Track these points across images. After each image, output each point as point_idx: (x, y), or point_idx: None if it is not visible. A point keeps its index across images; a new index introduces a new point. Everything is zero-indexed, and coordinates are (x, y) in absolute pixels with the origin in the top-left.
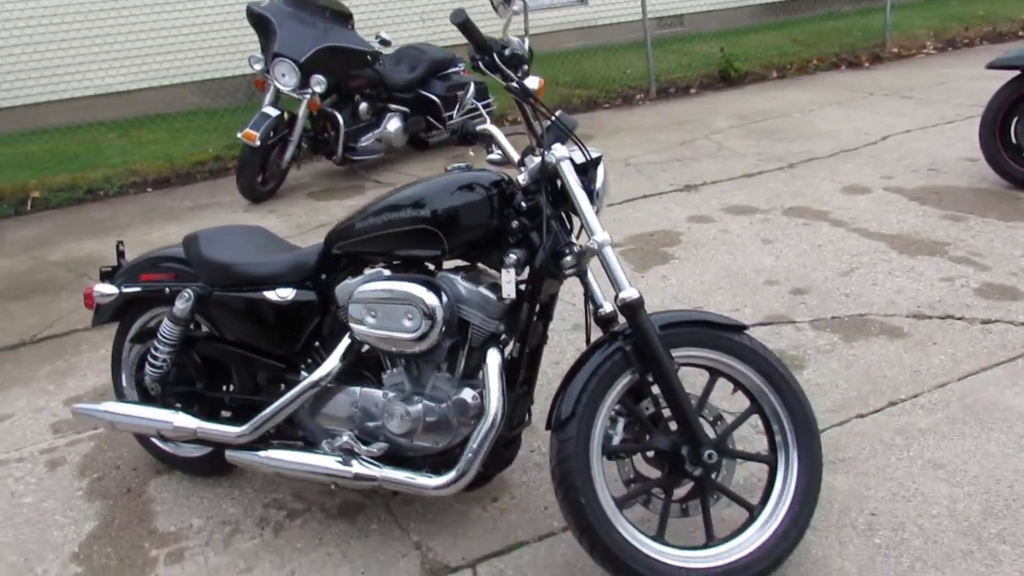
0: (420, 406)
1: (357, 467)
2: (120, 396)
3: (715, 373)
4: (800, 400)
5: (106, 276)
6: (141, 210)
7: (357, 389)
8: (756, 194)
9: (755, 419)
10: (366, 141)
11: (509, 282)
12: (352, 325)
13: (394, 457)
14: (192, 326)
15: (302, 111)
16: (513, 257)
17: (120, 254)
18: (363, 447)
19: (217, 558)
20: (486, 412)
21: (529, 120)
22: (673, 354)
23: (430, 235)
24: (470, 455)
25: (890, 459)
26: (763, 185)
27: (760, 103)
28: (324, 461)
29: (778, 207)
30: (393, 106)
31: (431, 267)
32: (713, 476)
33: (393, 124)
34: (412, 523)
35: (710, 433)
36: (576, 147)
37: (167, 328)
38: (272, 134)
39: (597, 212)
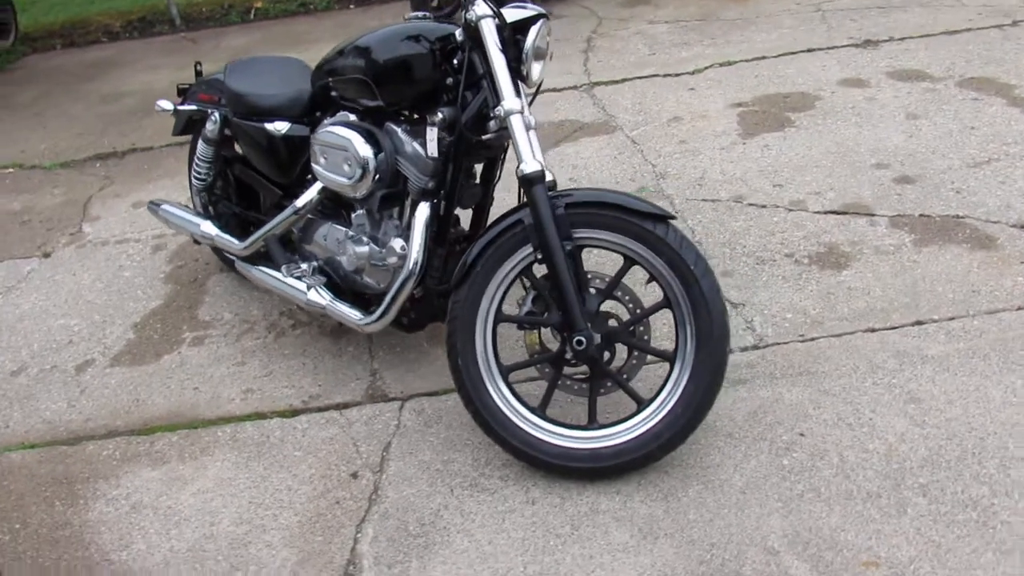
0: (367, 248)
1: (312, 294)
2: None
3: (629, 260)
4: (709, 304)
5: (181, 92)
6: (336, 26)
7: (329, 224)
8: (941, 57)
9: None
10: None
11: (432, 140)
12: (312, 164)
13: (348, 291)
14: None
15: None
16: (439, 116)
17: (198, 73)
18: (317, 277)
19: (224, 349)
20: (406, 262)
21: None
22: (580, 234)
23: (367, 85)
24: (388, 299)
25: (865, 382)
26: (959, 46)
27: None
28: (290, 284)
29: (956, 76)
30: None
31: (405, 116)
32: (604, 361)
33: None
34: (381, 352)
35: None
36: (516, 2)
37: (201, 146)
38: None
39: (526, 75)
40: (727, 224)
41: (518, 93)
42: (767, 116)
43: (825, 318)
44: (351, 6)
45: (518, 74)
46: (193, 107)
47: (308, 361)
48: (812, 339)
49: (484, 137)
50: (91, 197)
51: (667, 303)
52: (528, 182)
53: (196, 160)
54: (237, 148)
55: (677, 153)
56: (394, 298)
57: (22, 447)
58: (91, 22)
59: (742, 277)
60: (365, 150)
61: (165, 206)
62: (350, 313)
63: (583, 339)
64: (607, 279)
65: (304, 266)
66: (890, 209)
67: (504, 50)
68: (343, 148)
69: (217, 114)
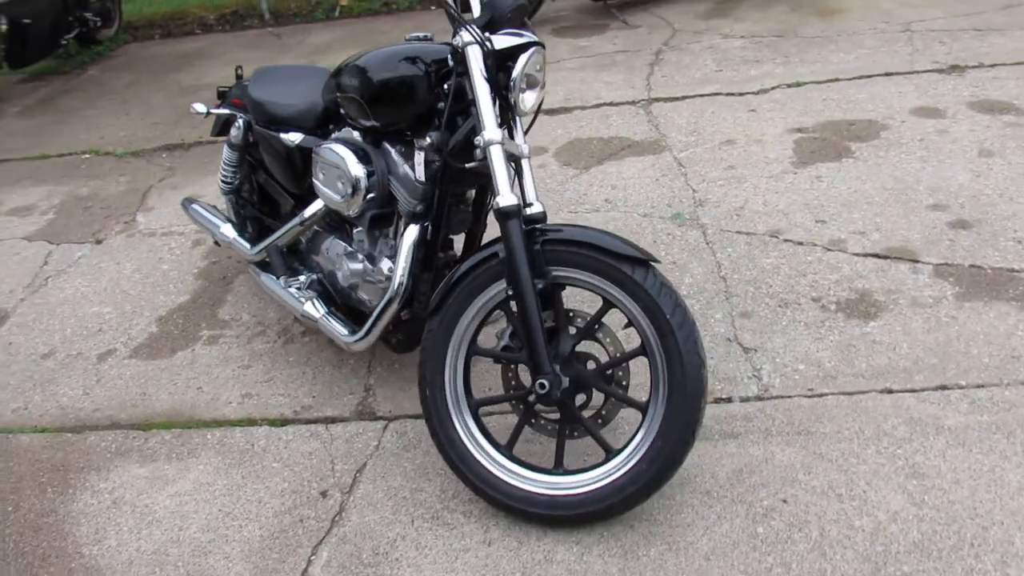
0: (361, 266)
1: (308, 306)
2: None
3: (607, 302)
4: (684, 357)
5: (220, 95)
6: (416, 27)
7: (332, 238)
8: None
9: None
10: None
11: (419, 164)
12: (312, 179)
13: (344, 306)
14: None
15: None
16: (427, 140)
17: (239, 77)
18: (313, 290)
19: (234, 350)
20: (391, 284)
21: None
22: (557, 271)
23: (361, 105)
24: (371, 319)
25: (867, 449)
26: None
27: None
28: (289, 295)
29: None
30: None
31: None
32: (575, 405)
33: None
34: (379, 368)
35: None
36: (511, 29)
37: (226, 150)
38: None
39: (513, 104)
40: (757, 260)
41: (504, 122)
42: (826, 144)
43: (840, 373)
44: (432, 8)
45: (508, 102)
46: (224, 111)
47: (309, 370)
48: (820, 395)
49: (468, 165)
50: (151, 187)
51: (643, 350)
52: (503, 216)
53: (222, 163)
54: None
55: (722, 179)
56: (377, 319)
57: (34, 430)
58: (188, 14)
59: (760, 319)
60: (357, 169)
61: (195, 205)
62: (339, 329)
63: (546, 383)
64: (588, 318)
65: (302, 278)
66: (938, 256)
67: (491, 78)
68: (337, 165)
69: (241, 120)
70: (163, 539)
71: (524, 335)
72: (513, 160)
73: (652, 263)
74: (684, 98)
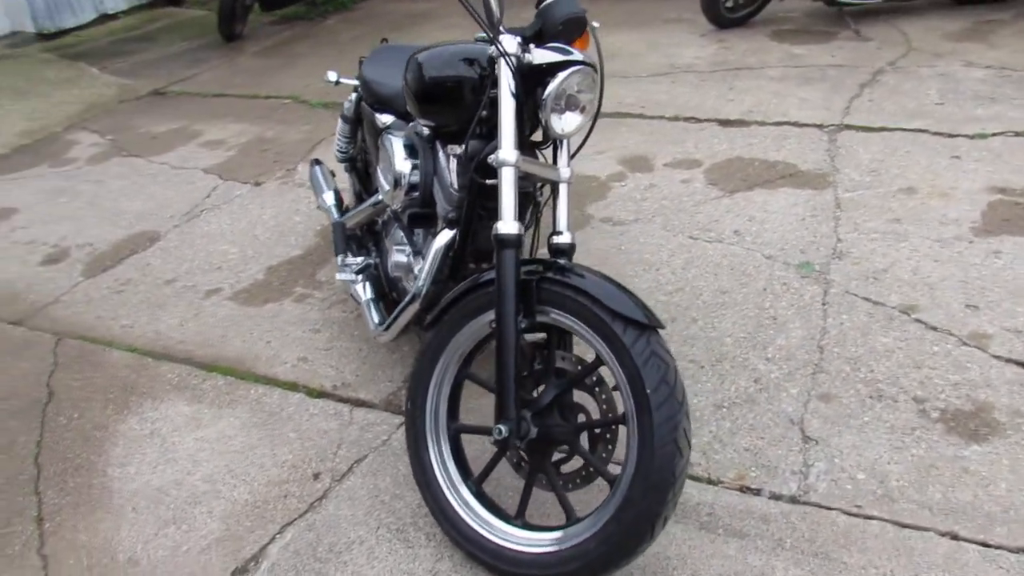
0: (404, 260)
1: (357, 287)
2: None
3: (599, 357)
4: (655, 440)
5: (361, 64)
6: (622, 17)
7: (396, 227)
8: None
9: None
10: None
11: (453, 171)
12: (378, 165)
13: (390, 295)
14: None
15: None
16: (460, 148)
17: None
18: (361, 274)
19: (313, 313)
20: (416, 283)
21: None
22: (552, 313)
23: (413, 101)
24: (393, 314)
25: None
26: None
27: None
28: (342, 272)
29: None
30: None
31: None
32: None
33: None
34: (396, 356)
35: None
36: (560, 43)
37: (340, 122)
38: None
39: (545, 124)
40: (871, 337)
41: (548, 142)
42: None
43: (904, 496)
44: None
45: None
46: (351, 82)
47: (365, 348)
48: (865, 516)
49: (489, 182)
50: (323, 139)
51: (623, 419)
52: (499, 243)
53: (337, 134)
54: None
55: (879, 232)
56: (398, 315)
57: (126, 348)
58: None
59: (840, 407)
60: (402, 164)
61: (317, 167)
62: (373, 317)
63: (503, 429)
64: (580, 368)
65: (358, 260)
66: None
67: (519, 94)
68: (389, 156)
69: (354, 94)
70: (170, 478)
71: (496, 373)
72: (551, 184)
73: (650, 327)
74: (881, 130)
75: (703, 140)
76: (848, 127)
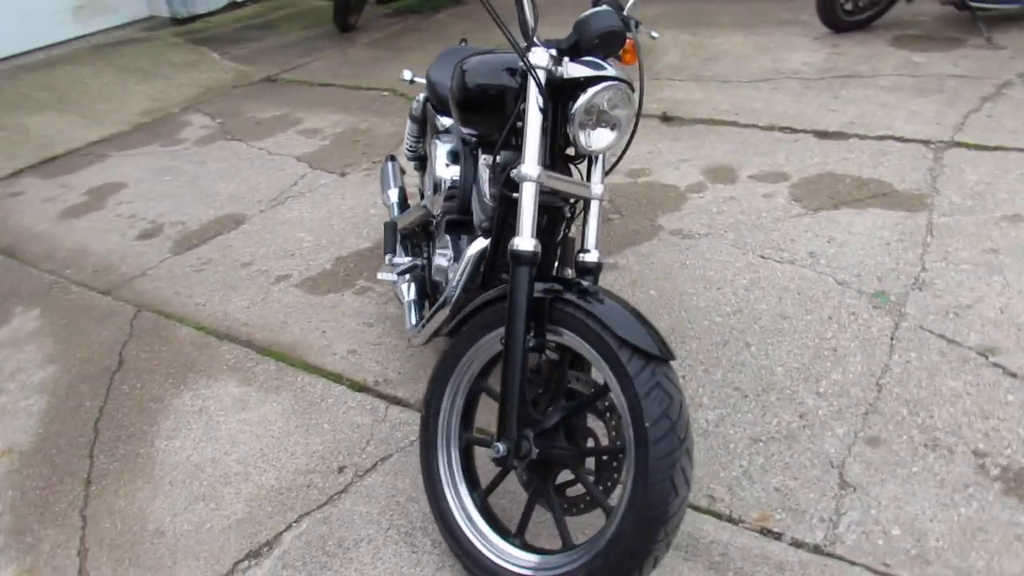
0: (445, 264)
1: (402, 287)
2: None
3: (606, 383)
4: (650, 475)
5: None
6: (747, 13)
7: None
8: None
9: None
10: None
11: (484, 181)
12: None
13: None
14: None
15: None
16: (489, 158)
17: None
18: (398, 275)
19: (371, 307)
20: (448, 288)
21: (522, 4)
22: (565, 335)
23: (455, 107)
24: (425, 318)
25: None
26: None
27: None
28: (387, 273)
29: None
30: None
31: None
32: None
33: None
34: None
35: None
36: (595, 57)
37: (408, 122)
38: None
39: (573, 140)
40: (938, 379)
41: (580, 158)
42: None
43: (940, 560)
44: None
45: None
46: (421, 80)
47: (378, 338)
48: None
49: (515, 195)
50: None
51: (623, 449)
52: (514, 259)
53: (406, 133)
54: None
55: (970, 263)
56: (429, 318)
57: (196, 326)
58: None
59: (888, 454)
60: (442, 170)
61: (388, 164)
62: (410, 318)
63: (501, 447)
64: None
65: (404, 260)
66: None
67: (547, 108)
68: (432, 161)
69: (422, 95)
70: (209, 456)
71: (500, 389)
72: (583, 200)
73: (658, 358)
74: (996, 149)
75: (795, 152)
76: (958, 144)
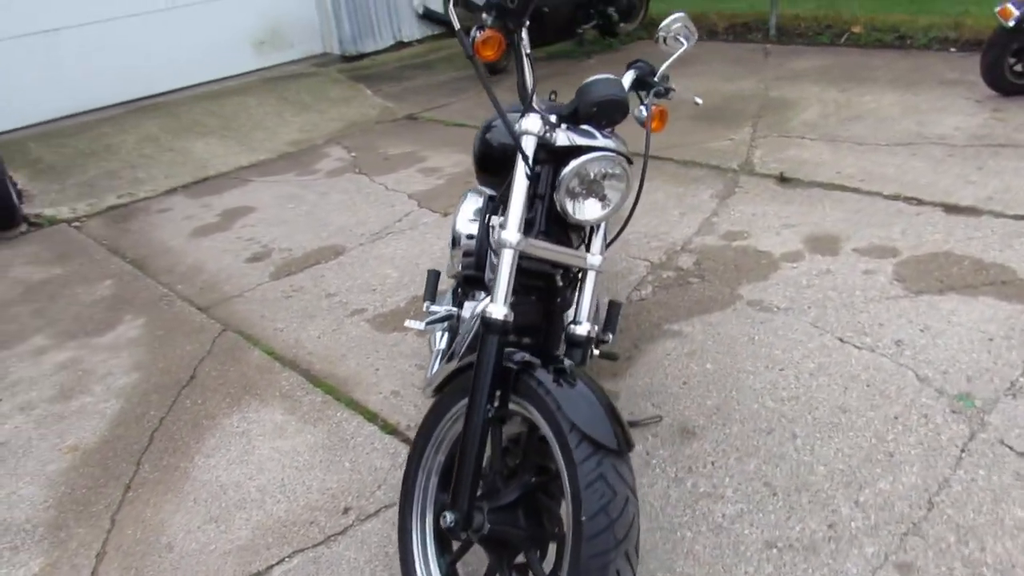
0: (467, 315)
1: (436, 333)
2: None
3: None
4: (580, 573)
5: None
6: (911, 69)
7: None
8: None
9: None
10: None
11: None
12: None
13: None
14: None
15: None
16: (495, 219)
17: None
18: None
19: (425, 349)
20: (455, 344)
21: (522, 68)
22: (527, 408)
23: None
24: (435, 374)
25: None
26: None
27: None
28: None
29: None
30: None
31: None
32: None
33: None
34: None
35: None
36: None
37: None
38: None
39: (560, 208)
40: (1004, 507)
41: (552, 226)
42: None
43: None
44: (952, 49)
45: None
46: None
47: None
48: None
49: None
50: None
51: (563, 534)
52: (484, 326)
53: None
54: None
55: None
56: (436, 372)
57: (267, 350)
58: (702, 19)
59: None
60: (461, 225)
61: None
62: (432, 367)
63: (449, 517)
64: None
65: (440, 309)
66: None
67: (534, 175)
68: (455, 214)
69: None
70: (235, 479)
71: (458, 457)
72: (580, 270)
73: (608, 449)
74: None
75: (914, 226)
76: None
